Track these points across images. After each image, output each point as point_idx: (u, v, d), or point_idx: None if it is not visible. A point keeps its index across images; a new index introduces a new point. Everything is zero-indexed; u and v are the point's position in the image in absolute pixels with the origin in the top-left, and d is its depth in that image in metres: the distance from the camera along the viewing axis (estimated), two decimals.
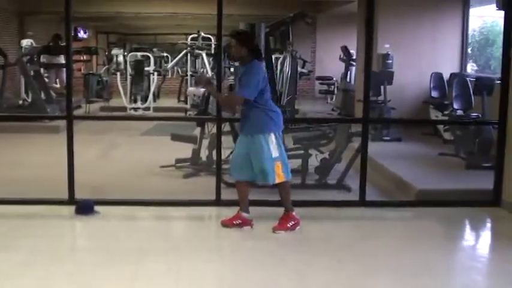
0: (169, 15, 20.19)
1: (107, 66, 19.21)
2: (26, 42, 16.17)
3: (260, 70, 5.92)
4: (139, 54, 17.24)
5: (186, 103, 16.37)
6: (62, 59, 15.64)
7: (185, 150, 8.82)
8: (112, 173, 8.54)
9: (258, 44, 6.34)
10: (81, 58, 19.81)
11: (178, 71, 19.93)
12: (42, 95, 14.07)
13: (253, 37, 6.07)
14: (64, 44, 15.36)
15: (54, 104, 13.76)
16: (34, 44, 16.10)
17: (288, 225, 5.99)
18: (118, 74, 16.99)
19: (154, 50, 19.53)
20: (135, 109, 15.99)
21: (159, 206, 6.77)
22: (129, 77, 16.56)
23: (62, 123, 11.40)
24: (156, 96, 18.15)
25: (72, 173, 6.70)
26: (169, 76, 20.33)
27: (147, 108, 16.01)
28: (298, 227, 6.02)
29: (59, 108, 13.64)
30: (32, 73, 14.17)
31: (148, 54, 17.19)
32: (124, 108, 15.88)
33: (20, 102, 14.90)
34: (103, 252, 5.38)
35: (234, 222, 6.05)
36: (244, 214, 6.08)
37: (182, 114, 14.48)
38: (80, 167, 6.79)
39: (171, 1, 18.45)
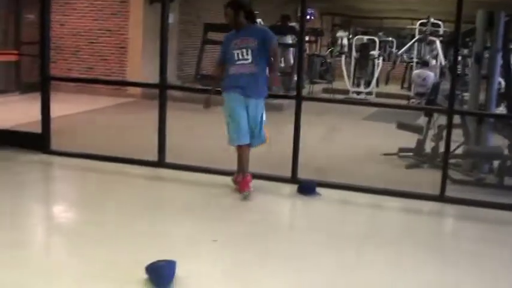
0: None
1: (331, 48, 19.36)
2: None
3: None
4: (365, 37, 17.13)
5: (410, 90, 16.02)
6: (289, 39, 15.99)
7: (408, 139, 8.58)
8: (333, 155, 8.55)
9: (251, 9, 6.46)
10: (307, 39, 20.11)
11: (403, 57, 19.55)
12: (267, 73, 14.46)
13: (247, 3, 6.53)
14: (292, 24, 15.92)
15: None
16: (262, 23, 16.59)
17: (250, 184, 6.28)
18: (343, 56, 17.02)
19: (380, 34, 19.33)
20: (358, 93, 15.95)
21: (379, 194, 6.63)
22: (353, 60, 16.54)
23: (286, 101, 11.73)
24: (385, 83, 18.01)
25: (297, 153, 6.78)
26: (398, 62, 19.98)
27: (370, 93, 15.91)
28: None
29: (284, 87, 13.98)
30: None
31: (374, 38, 17.03)
32: (346, 91, 15.92)
33: None
34: (322, 234, 5.37)
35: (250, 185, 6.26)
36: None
37: (405, 102, 14.21)
38: (302, 147, 6.86)
39: None
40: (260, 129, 6.26)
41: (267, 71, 6.35)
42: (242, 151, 6.27)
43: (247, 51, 6.15)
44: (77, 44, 14.18)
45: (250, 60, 6.15)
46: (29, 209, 5.80)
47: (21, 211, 5.62)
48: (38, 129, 7.71)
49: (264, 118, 6.28)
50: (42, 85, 7.67)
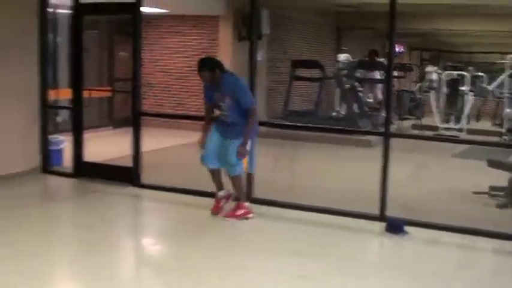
0: (485, 33, 19.41)
1: (419, 84, 19.07)
2: (343, 57, 16.72)
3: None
4: (455, 72, 16.80)
5: (502, 127, 15.53)
6: (376, 75, 15.91)
7: (499, 177, 8.31)
8: (421, 193, 8.36)
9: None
10: (396, 74, 19.90)
11: (493, 93, 19.00)
12: (355, 109, 14.42)
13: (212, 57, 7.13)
14: (380, 59, 15.83)
15: (366, 118, 14.04)
16: (351, 59, 16.59)
17: (238, 213, 6.64)
18: (432, 92, 16.75)
19: (470, 68, 18.90)
20: (448, 129, 15.60)
21: (469, 234, 6.41)
22: (442, 96, 16.24)
23: (374, 138, 11.60)
24: (476, 119, 17.62)
25: (385, 190, 6.69)
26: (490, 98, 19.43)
27: (460, 130, 15.52)
28: (249, 216, 6.64)
29: (371, 122, 13.90)
30: (347, 87, 14.64)
31: (464, 73, 16.67)
32: (435, 128, 15.60)
33: (334, 114, 15.46)
34: (410, 274, 5.26)
35: (238, 213, 6.64)
36: (246, 204, 6.75)
37: (496, 139, 13.80)
38: (390, 183, 6.75)
39: (491, 18, 17.67)
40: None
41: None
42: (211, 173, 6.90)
43: (225, 106, 6.58)
44: (166, 80, 14.58)
45: (228, 113, 6.59)
46: (119, 241, 6.00)
47: (112, 242, 5.83)
48: (129, 162, 7.95)
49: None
50: (134, 120, 7.93)
